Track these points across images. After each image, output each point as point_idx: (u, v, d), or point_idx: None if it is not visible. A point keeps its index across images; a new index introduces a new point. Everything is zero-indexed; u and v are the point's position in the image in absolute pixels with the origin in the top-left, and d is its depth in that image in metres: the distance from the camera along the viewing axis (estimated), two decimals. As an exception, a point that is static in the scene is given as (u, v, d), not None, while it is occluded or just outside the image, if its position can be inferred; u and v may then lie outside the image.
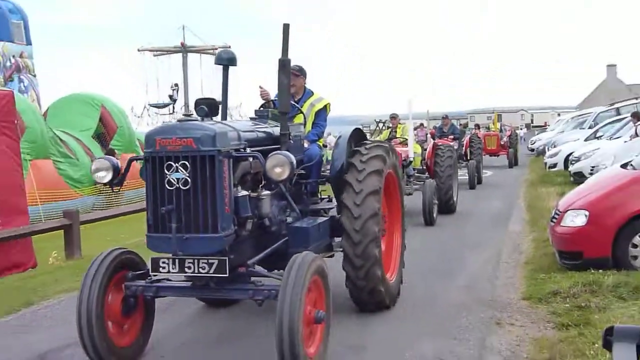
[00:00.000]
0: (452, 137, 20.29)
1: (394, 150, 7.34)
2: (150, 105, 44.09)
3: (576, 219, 8.13)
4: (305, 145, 6.97)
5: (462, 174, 19.34)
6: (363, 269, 6.48)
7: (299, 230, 6.12)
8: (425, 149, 15.61)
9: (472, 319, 6.75)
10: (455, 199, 14.93)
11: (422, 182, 13.64)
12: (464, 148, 22.52)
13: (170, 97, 43.68)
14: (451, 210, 14.60)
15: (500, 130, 32.47)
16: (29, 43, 20.79)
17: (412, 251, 10.43)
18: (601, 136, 20.77)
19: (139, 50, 45.38)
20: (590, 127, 25.37)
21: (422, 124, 21.63)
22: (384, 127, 49.67)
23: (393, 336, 6.30)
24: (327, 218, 6.77)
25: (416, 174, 14.49)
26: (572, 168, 18.39)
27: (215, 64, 6.65)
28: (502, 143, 29.81)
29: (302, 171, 6.60)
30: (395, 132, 15.72)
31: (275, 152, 5.38)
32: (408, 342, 6.09)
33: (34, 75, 22.38)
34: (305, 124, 7.15)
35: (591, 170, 15.73)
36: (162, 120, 43.22)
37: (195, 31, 50.66)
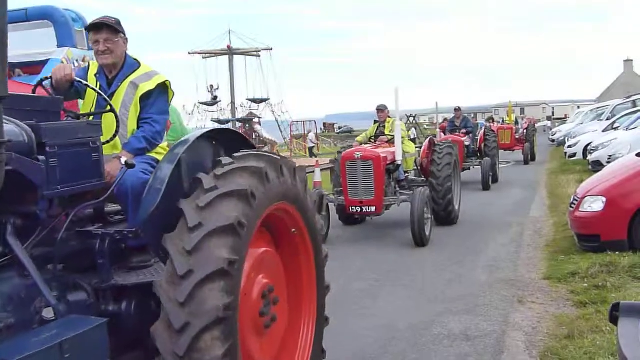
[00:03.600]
0: (464, 131, 17.61)
1: (283, 164, 3.62)
2: (200, 103, 44.53)
3: (594, 205, 8.08)
4: (122, 160, 3.63)
5: (476, 172, 17.38)
6: None
7: None
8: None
9: (495, 297, 6.74)
10: (456, 206, 11.43)
11: (412, 192, 10.04)
12: (477, 143, 18.79)
13: (215, 97, 44.13)
14: (451, 221, 11.11)
15: (516, 123, 28.80)
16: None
17: (436, 235, 10.39)
18: (618, 127, 20.34)
19: (189, 53, 45.64)
20: (607, 119, 24.80)
21: (445, 119, 20.79)
22: (413, 122, 48.79)
23: (423, 314, 6.30)
24: (103, 320, 2.82)
25: (410, 178, 11.42)
26: (591, 157, 18.06)
27: None
28: (517, 137, 25.67)
29: (117, 207, 3.73)
30: (384, 127, 11.70)
31: None
32: (437, 319, 6.10)
33: (96, 78, 22.91)
34: (117, 121, 3.74)
35: (608, 159, 15.42)
36: (210, 116, 43.65)
37: (240, 35, 50.42)
